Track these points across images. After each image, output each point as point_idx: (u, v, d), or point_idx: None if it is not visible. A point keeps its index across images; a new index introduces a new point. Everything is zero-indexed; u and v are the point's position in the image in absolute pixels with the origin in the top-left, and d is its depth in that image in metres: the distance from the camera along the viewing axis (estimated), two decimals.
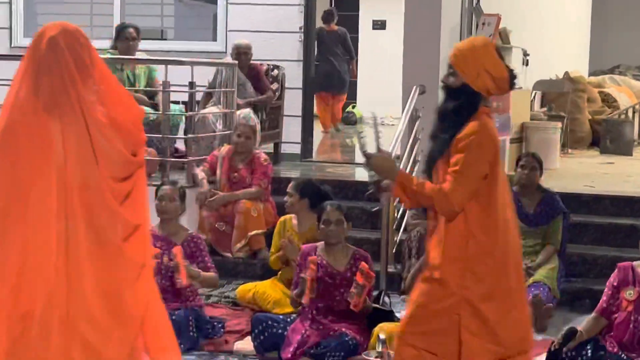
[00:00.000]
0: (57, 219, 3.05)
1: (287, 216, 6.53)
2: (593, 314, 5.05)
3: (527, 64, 10.20)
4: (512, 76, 3.82)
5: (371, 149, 3.92)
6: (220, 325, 5.85)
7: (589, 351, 4.95)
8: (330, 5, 16.25)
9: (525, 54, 10.12)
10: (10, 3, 10.42)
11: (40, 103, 3.06)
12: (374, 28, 15.10)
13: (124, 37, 8.35)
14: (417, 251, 6.62)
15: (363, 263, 5.40)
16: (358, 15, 15.40)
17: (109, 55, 8.35)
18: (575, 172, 9.43)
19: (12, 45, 10.24)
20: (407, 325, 3.94)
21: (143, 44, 8.74)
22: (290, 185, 6.48)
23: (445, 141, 3.77)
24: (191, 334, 5.62)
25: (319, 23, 11.72)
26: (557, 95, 11.67)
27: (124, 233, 3.21)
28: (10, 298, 3.02)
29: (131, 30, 8.40)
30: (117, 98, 3.24)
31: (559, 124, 10.27)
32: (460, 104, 3.74)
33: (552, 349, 5.00)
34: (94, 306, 3.17)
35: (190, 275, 5.55)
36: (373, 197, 4.04)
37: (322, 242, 5.66)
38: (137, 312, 3.31)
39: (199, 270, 5.70)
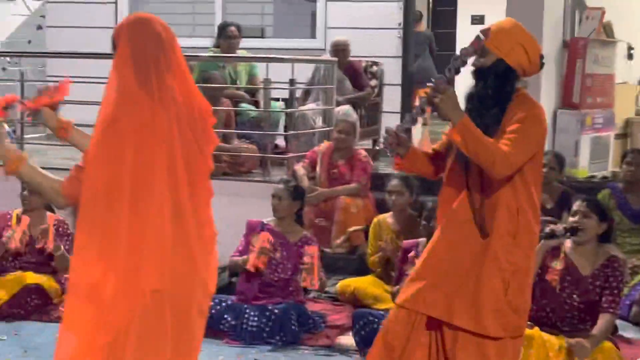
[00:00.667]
0: (170, 202, 3.13)
1: (381, 216, 6.53)
2: None
3: (632, 58, 9.97)
4: (541, 56, 3.78)
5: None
6: (321, 320, 5.89)
7: None
8: (428, 2, 16.18)
9: (630, 48, 9.88)
10: (115, 3, 10.67)
11: (146, 92, 3.10)
12: (472, 23, 14.94)
13: (226, 36, 8.48)
14: None
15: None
16: (456, 10, 15.29)
17: (211, 54, 8.49)
18: None
19: None
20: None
21: (244, 42, 8.85)
22: (395, 182, 6.43)
23: (496, 117, 3.69)
24: (293, 328, 5.68)
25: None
26: None
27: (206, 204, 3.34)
28: (129, 276, 3.08)
29: (233, 28, 8.51)
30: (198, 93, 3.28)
31: None
32: (499, 81, 3.66)
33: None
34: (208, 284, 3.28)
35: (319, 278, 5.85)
36: (387, 141, 3.81)
37: (424, 239, 5.65)
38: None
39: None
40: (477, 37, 3.69)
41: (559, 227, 5.18)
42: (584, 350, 4.90)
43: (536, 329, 5.16)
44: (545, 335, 5.12)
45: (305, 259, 5.83)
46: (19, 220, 6.35)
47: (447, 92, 3.62)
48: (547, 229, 5.27)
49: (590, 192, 6.67)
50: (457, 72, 3.70)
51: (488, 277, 3.73)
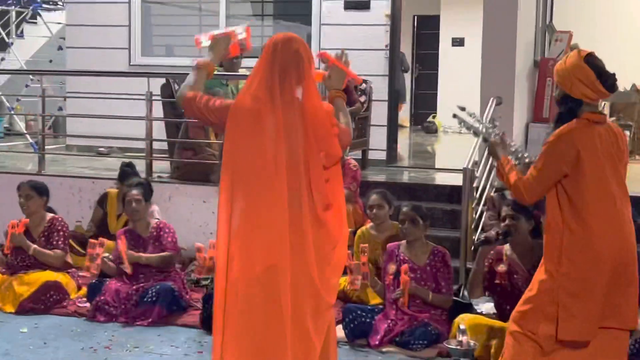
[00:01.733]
0: (287, 192, 3.34)
1: (364, 228, 6.51)
2: None
3: None
4: (606, 79, 3.90)
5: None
6: None
7: None
8: (413, 26, 16.20)
9: None
10: (129, 27, 10.67)
11: (272, 95, 3.38)
12: (453, 45, 14.99)
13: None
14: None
15: (404, 266, 5.42)
16: (438, 33, 15.34)
17: (215, 72, 8.46)
18: None
19: (131, 63, 10.45)
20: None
21: (245, 62, 8.84)
22: (376, 196, 6.39)
23: None
24: None
25: (403, 42, 11.68)
26: (625, 106, 11.40)
27: (325, 208, 3.45)
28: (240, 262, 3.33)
29: None
30: (319, 98, 3.51)
31: (627, 133, 10.04)
32: (562, 111, 3.96)
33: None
34: (313, 272, 3.39)
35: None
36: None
37: (405, 241, 5.66)
38: (336, 281, 3.55)
39: None
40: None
41: (492, 233, 5.24)
42: None
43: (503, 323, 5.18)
44: None
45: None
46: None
47: (491, 144, 4.25)
48: (482, 237, 5.32)
49: None
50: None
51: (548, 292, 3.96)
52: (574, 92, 3.88)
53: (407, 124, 15.34)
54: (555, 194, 3.92)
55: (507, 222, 5.21)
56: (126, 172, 7.25)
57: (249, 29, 3.85)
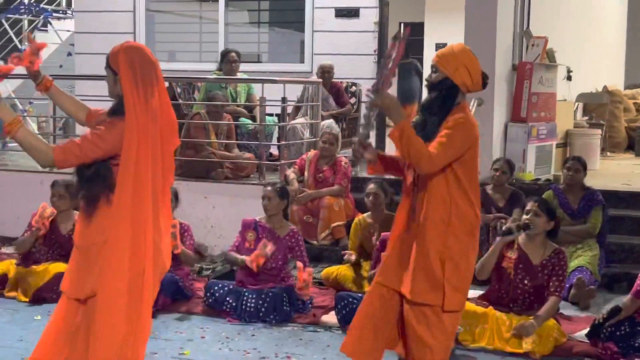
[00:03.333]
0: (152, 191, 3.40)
1: (361, 216, 6.50)
2: (629, 296, 4.95)
3: (570, 79, 10.01)
4: (485, 75, 3.74)
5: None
6: (309, 302, 5.88)
7: (627, 327, 4.88)
8: (399, 32, 16.16)
9: (569, 71, 9.93)
10: (134, 33, 10.64)
11: (144, 104, 3.32)
12: (436, 50, 14.95)
13: (227, 60, 8.46)
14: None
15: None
16: (423, 39, 15.32)
17: (215, 76, 8.47)
18: (613, 172, 9.23)
19: None
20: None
21: (243, 66, 8.84)
22: (374, 186, 6.38)
23: (434, 124, 3.68)
24: (285, 308, 5.67)
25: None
26: (596, 106, 11.44)
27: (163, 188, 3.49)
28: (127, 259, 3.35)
29: (233, 54, 8.49)
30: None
31: (599, 131, 10.08)
32: (443, 95, 3.67)
33: (597, 322, 4.93)
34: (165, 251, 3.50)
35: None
36: (356, 153, 3.85)
37: None
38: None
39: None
40: (393, 38, 3.69)
41: (514, 225, 5.22)
42: (527, 329, 4.93)
43: (490, 307, 5.19)
44: (498, 313, 5.15)
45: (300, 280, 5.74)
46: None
47: (383, 94, 3.59)
48: (504, 227, 5.30)
49: (536, 193, 6.70)
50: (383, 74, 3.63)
51: (427, 259, 3.70)
52: (456, 77, 3.66)
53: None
54: (443, 174, 3.67)
55: (529, 216, 5.18)
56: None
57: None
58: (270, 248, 5.75)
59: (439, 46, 14.93)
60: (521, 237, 5.27)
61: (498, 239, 5.28)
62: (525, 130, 8.19)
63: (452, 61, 3.67)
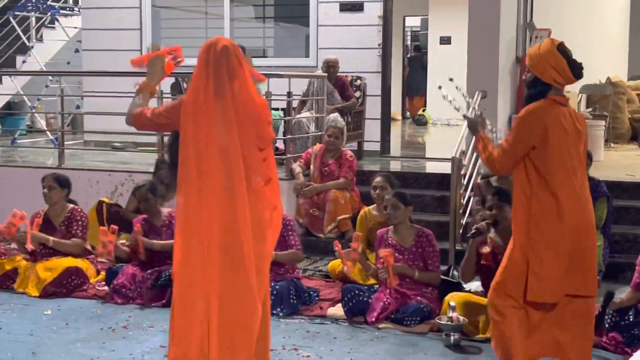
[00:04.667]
0: (222, 175, 3.54)
1: (367, 208, 6.50)
2: (629, 289, 4.94)
3: None
4: (575, 67, 3.96)
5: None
6: (315, 294, 5.88)
7: (631, 316, 4.87)
8: (403, 26, 16.16)
9: None
10: (140, 29, 10.64)
11: (211, 88, 3.56)
12: (441, 43, 14.94)
13: None
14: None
15: (384, 251, 5.44)
16: (427, 33, 15.31)
17: None
18: (617, 163, 9.19)
19: None
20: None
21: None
22: (380, 179, 6.37)
23: None
24: (292, 301, 5.66)
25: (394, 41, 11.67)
26: (600, 97, 11.39)
27: (263, 181, 3.64)
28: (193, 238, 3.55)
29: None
30: (253, 92, 3.69)
31: (603, 122, 10.02)
32: (531, 93, 3.98)
33: (597, 312, 4.92)
34: (246, 238, 3.56)
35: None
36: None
37: (392, 226, 5.66)
38: (270, 250, 3.76)
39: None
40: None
41: (482, 224, 5.22)
42: None
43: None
44: None
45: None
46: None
47: (470, 120, 4.28)
48: (473, 228, 5.31)
49: None
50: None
51: (513, 253, 4.10)
52: (545, 76, 3.92)
53: (399, 117, 15.31)
54: (523, 167, 3.95)
55: (493, 211, 5.19)
56: (158, 167, 7.23)
57: (179, 47, 3.98)
58: None
59: (443, 39, 14.94)
60: (492, 231, 5.27)
61: (470, 242, 5.28)
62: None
63: (539, 63, 3.96)
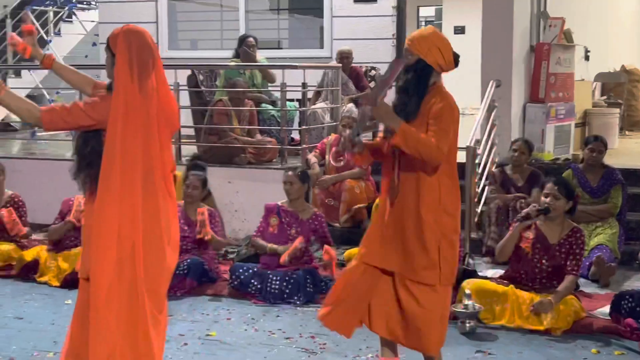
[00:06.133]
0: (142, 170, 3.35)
1: (379, 199, 6.48)
2: None
3: (588, 59, 9.92)
4: (456, 55, 3.77)
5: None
6: (331, 283, 5.88)
7: None
8: (417, 16, 16.07)
9: (587, 51, 9.83)
10: (156, 23, 10.67)
11: (136, 87, 3.31)
12: (455, 33, 14.86)
13: (246, 45, 8.44)
14: (496, 220, 6.56)
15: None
16: (441, 23, 15.22)
17: (233, 64, 8.43)
18: (632, 151, 9.14)
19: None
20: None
21: (263, 53, 8.82)
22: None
23: (415, 104, 3.70)
24: (308, 290, 5.68)
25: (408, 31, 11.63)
26: (614, 85, 11.31)
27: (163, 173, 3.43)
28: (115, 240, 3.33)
29: (250, 39, 8.48)
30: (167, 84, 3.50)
31: (617, 110, 9.96)
32: (418, 75, 3.70)
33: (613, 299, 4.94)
34: (164, 238, 3.41)
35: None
36: (345, 147, 3.87)
37: None
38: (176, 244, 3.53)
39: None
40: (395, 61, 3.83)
41: (533, 210, 5.19)
42: (544, 306, 4.92)
43: (511, 286, 5.17)
44: (518, 292, 5.14)
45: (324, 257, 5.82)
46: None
47: (380, 104, 3.68)
48: (523, 212, 5.27)
49: (555, 172, 6.66)
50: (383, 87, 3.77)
51: (423, 238, 3.72)
52: (429, 58, 3.68)
53: None
54: None
55: (549, 199, 5.16)
56: (194, 162, 7.22)
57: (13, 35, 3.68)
58: (300, 240, 5.78)
59: (457, 29, 14.84)
60: (541, 218, 5.24)
61: (517, 223, 5.25)
62: (544, 110, 8.12)
63: (423, 43, 3.71)
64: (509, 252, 5.26)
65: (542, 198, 5.23)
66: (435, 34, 3.76)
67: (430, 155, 3.61)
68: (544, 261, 5.15)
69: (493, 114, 7.47)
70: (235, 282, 5.80)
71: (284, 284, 5.66)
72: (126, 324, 3.35)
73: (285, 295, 5.64)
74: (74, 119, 3.30)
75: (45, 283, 6.15)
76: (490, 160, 7.28)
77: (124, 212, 3.31)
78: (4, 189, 6.72)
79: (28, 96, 12.68)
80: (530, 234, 5.19)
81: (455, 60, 3.77)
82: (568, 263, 5.09)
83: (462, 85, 13.59)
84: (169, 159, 3.46)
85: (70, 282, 6.05)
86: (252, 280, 5.76)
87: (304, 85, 7.78)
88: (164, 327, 3.52)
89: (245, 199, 7.53)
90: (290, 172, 6.01)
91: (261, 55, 8.64)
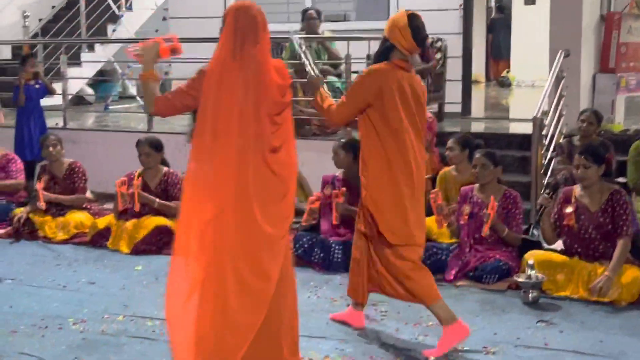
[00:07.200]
0: (238, 138, 3.42)
1: (447, 168, 6.46)
2: None
3: None
4: (418, 35, 4.15)
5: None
6: None
7: None
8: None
9: None
10: None
11: (237, 56, 3.45)
12: (525, 4, 14.60)
13: (307, 18, 8.47)
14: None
15: (492, 198, 5.42)
16: None
17: (299, 36, 8.47)
18: None
19: None
20: None
21: (329, 25, 8.83)
22: (451, 140, 6.38)
23: None
24: None
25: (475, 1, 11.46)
26: None
27: (271, 147, 3.50)
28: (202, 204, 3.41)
29: (312, 12, 8.51)
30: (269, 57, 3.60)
31: None
32: (379, 50, 4.27)
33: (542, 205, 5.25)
34: (256, 211, 3.45)
35: None
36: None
37: (477, 184, 5.63)
38: (289, 216, 3.59)
39: None
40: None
41: (544, 199, 5.25)
42: (605, 285, 4.84)
43: (575, 257, 5.13)
44: (582, 263, 5.10)
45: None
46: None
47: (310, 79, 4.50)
48: (537, 206, 5.29)
49: (624, 144, 6.57)
50: None
51: (364, 202, 4.28)
52: (392, 36, 4.16)
53: (482, 79, 15.06)
54: (364, 122, 4.22)
55: (579, 171, 5.11)
56: None
57: (176, 37, 3.83)
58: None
59: (527, 1, 14.57)
60: (577, 190, 5.19)
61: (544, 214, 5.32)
62: (614, 81, 7.95)
63: (389, 25, 4.22)
64: (553, 237, 5.30)
65: (574, 171, 5.19)
66: (399, 18, 4.20)
67: (327, 117, 4.38)
68: (590, 231, 5.10)
69: (561, 84, 7.34)
70: (299, 251, 5.88)
71: (347, 252, 5.69)
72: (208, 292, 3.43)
73: (347, 264, 5.67)
74: (180, 101, 3.54)
75: (116, 250, 6.34)
76: (557, 131, 7.17)
77: (216, 171, 3.42)
78: (64, 158, 6.95)
79: (101, 70, 13.00)
80: (570, 208, 5.14)
81: (418, 41, 4.16)
82: (616, 226, 5.02)
83: (531, 58, 13.43)
84: (272, 133, 3.50)
85: (139, 249, 6.24)
86: (315, 249, 5.83)
87: (368, 57, 7.76)
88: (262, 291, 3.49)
89: (310, 171, 7.57)
90: (335, 143, 6.06)
91: (326, 29, 8.65)
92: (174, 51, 3.71)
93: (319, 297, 5.17)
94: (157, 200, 6.44)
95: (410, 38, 4.14)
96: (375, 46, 8.28)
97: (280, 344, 3.53)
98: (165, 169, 6.64)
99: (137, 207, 6.40)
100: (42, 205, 6.73)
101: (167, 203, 6.45)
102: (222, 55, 3.46)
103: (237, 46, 3.44)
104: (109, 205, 7.34)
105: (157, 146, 6.59)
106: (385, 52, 4.21)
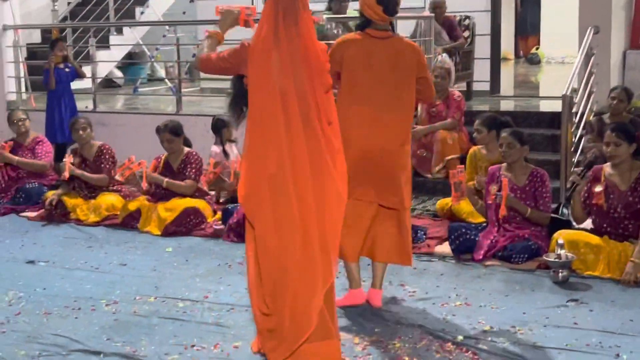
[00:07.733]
0: (281, 115, 3.57)
1: (476, 147, 6.42)
2: None
3: None
4: (386, 6, 4.26)
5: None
6: (423, 233, 5.91)
7: None
8: None
9: None
10: None
11: (279, 35, 3.57)
12: None
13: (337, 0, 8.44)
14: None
15: (504, 179, 5.41)
16: None
17: (326, 16, 8.44)
18: None
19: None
20: None
21: (356, 5, 8.76)
22: (477, 122, 6.33)
23: None
24: None
25: None
26: None
27: (324, 123, 3.65)
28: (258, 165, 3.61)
29: None
30: (314, 36, 3.69)
31: None
32: (359, 22, 4.47)
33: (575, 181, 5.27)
34: (307, 175, 3.60)
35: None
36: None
37: (505, 164, 5.60)
38: (343, 185, 3.72)
39: None
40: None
41: (576, 177, 5.29)
42: (637, 269, 4.80)
43: (605, 237, 5.09)
44: (612, 242, 5.05)
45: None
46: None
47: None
48: (569, 184, 5.23)
49: None
50: None
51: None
52: (365, 11, 4.32)
53: (511, 56, 14.90)
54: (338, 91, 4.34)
55: (610, 148, 5.07)
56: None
57: (254, 8, 4.02)
58: None
59: None
60: (607, 168, 5.14)
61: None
62: None
63: (359, 1, 4.38)
64: (582, 216, 5.27)
65: (604, 147, 5.14)
66: None
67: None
68: (619, 209, 5.05)
69: (591, 60, 7.25)
70: None
71: None
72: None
73: None
74: (219, 64, 3.78)
75: (147, 232, 6.40)
76: (587, 109, 7.09)
77: (268, 150, 3.57)
78: (92, 140, 7.03)
79: (129, 53, 13.07)
80: (599, 187, 5.09)
81: (388, 12, 4.27)
82: None
83: (561, 35, 13.25)
84: (327, 106, 3.65)
85: (170, 231, 6.29)
86: None
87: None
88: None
89: None
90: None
91: (352, 9, 8.61)
92: (247, 24, 3.92)
93: (347, 278, 5.17)
94: (165, 179, 6.54)
95: (380, 11, 4.27)
96: (405, 25, 8.32)
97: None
98: (187, 150, 6.70)
99: (144, 185, 6.56)
100: (65, 175, 6.82)
101: (176, 182, 6.54)
102: (264, 35, 3.58)
103: (279, 27, 3.56)
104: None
105: (177, 131, 6.64)
106: (363, 24, 4.38)
